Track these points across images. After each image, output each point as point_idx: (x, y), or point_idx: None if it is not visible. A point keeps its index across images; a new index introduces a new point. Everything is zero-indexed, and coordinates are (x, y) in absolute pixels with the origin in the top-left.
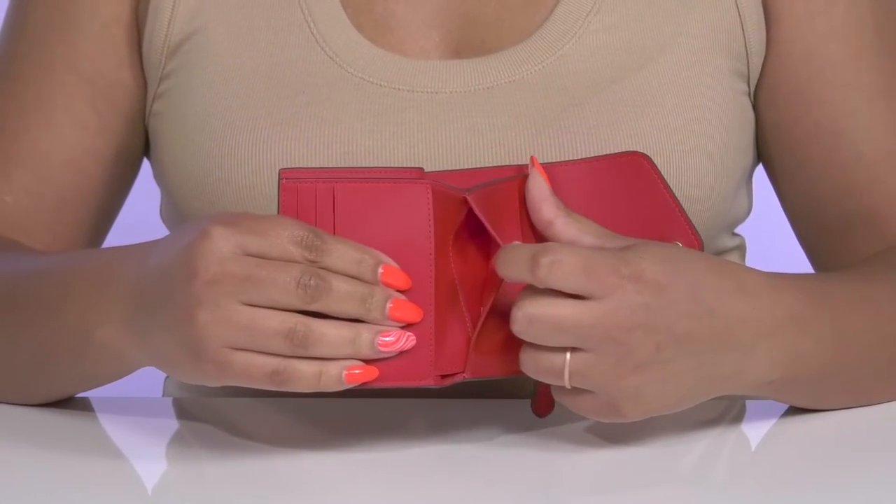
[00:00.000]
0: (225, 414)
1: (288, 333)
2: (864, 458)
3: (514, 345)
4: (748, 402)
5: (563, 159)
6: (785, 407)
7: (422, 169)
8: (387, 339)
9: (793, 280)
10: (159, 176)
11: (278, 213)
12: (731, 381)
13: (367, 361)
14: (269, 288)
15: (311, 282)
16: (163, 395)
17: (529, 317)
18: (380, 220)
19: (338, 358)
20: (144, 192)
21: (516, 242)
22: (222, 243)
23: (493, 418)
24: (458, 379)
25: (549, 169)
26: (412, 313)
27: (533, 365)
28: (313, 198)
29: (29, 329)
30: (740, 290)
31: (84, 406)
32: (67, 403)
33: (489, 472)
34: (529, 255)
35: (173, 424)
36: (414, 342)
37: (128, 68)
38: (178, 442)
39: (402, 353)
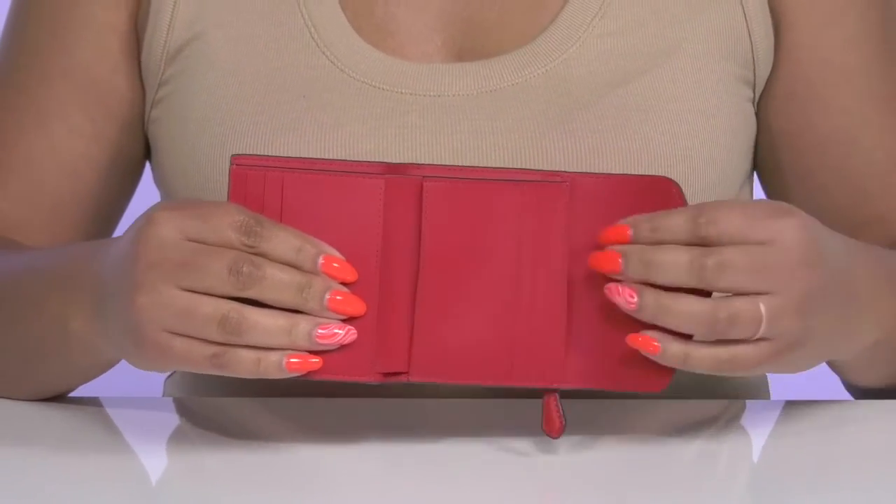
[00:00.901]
0: (226, 413)
1: (221, 320)
2: (864, 458)
3: (469, 349)
4: (748, 402)
5: (566, 163)
6: (782, 407)
7: (387, 163)
8: (323, 331)
9: (867, 244)
10: (160, 181)
11: (228, 199)
12: (855, 338)
13: (311, 352)
14: (204, 274)
15: (244, 269)
16: (163, 395)
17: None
18: (328, 212)
19: (274, 347)
20: (145, 194)
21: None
22: (164, 228)
23: (492, 418)
24: (402, 379)
25: (579, 179)
26: (354, 306)
27: (726, 313)
28: (262, 186)
29: (16, 326)
30: (852, 247)
31: (85, 405)
32: (68, 402)
33: (488, 471)
34: (688, 258)
35: (174, 424)
36: (354, 336)
37: (123, 75)
38: (179, 441)
39: (342, 346)
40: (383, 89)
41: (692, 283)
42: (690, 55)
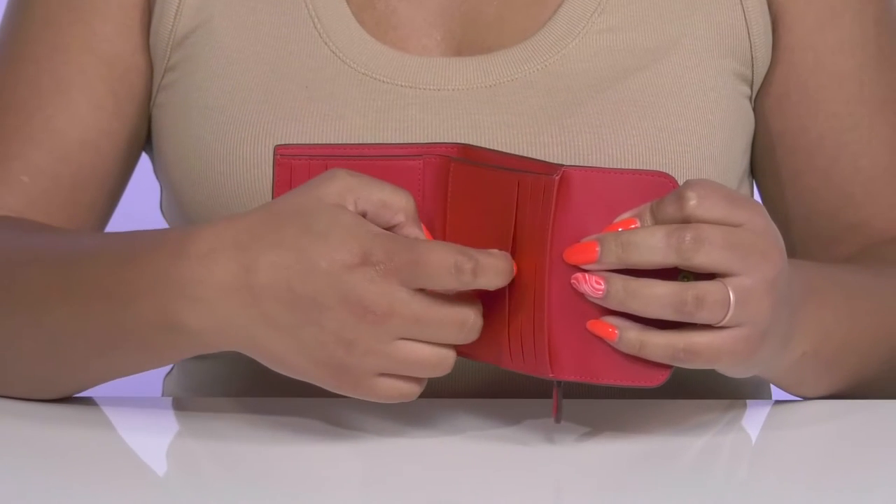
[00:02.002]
0: (225, 413)
1: (436, 365)
2: (864, 458)
3: (490, 332)
4: (748, 402)
5: (564, 158)
6: (783, 407)
7: (419, 145)
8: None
9: (802, 260)
10: (160, 169)
11: (272, 189)
12: (790, 346)
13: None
14: (435, 332)
15: (474, 324)
16: (162, 395)
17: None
18: None
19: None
20: (144, 189)
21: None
22: (390, 287)
23: (492, 417)
24: (470, 357)
25: (574, 172)
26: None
27: (693, 294)
28: (307, 175)
29: (89, 317)
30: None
31: (84, 405)
32: (67, 402)
33: (488, 471)
34: (664, 234)
35: (173, 424)
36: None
37: (142, 53)
38: (179, 441)
39: None
40: (384, 82)
41: (669, 259)
42: (689, 51)
